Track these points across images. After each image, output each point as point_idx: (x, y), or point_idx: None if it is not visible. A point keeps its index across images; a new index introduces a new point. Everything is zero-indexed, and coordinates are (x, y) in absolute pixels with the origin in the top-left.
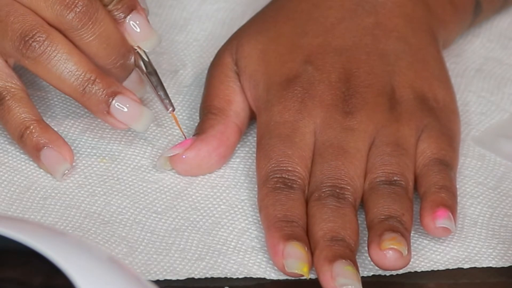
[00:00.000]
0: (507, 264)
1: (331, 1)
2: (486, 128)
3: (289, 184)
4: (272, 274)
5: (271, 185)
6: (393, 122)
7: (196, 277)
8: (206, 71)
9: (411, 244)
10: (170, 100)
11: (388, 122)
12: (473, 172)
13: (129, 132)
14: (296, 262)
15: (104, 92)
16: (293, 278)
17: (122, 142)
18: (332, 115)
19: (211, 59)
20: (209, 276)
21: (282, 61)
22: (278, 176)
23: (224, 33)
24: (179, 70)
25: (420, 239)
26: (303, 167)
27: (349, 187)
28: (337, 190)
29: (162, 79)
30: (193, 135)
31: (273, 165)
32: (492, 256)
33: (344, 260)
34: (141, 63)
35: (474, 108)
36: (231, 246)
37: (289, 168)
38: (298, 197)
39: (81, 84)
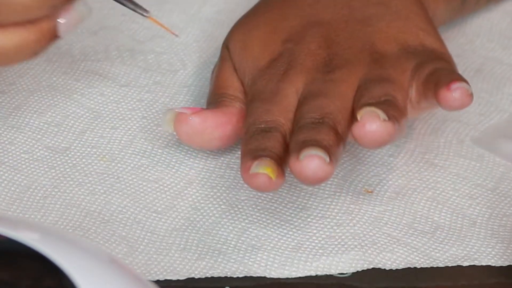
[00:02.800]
0: (506, 263)
1: None
2: (485, 128)
3: (267, 129)
4: (272, 273)
5: (249, 134)
6: (376, 69)
7: (196, 277)
8: (206, 71)
9: (409, 242)
10: (141, 6)
11: (371, 70)
12: (471, 174)
13: (130, 131)
14: (262, 166)
15: None
16: (292, 278)
17: (122, 141)
18: (313, 75)
19: (212, 59)
20: (209, 276)
21: (264, 45)
22: (257, 126)
23: (224, 34)
24: (179, 70)
25: (420, 237)
26: (284, 117)
27: (330, 116)
28: (317, 120)
29: (162, 79)
30: None
31: (253, 119)
32: (491, 255)
33: (315, 145)
34: None
35: (473, 108)
36: (231, 246)
37: (268, 119)
38: (274, 136)
39: None
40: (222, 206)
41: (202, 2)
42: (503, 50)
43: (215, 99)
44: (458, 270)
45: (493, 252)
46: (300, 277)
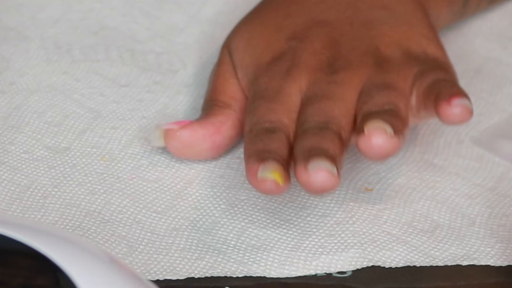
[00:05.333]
0: (505, 264)
1: None
2: (485, 128)
3: (271, 130)
4: (272, 272)
5: (253, 134)
6: (380, 73)
7: (196, 277)
8: (206, 71)
9: (408, 241)
10: None
11: (374, 74)
12: (471, 174)
13: (130, 131)
14: (270, 170)
15: None
16: (292, 278)
17: (122, 141)
18: (316, 75)
19: (212, 59)
20: (209, 275)
21: (267, 42)
22: (261, 126)
23: (224, 34)
24: (179, 70)
25: (419, 236)
26: (287, 118)
27: (333, 121)
28: (320, 124)
29: (162, 79)
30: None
31: (256, 118)
32: (490, 255)
33: (319, 156)
34: None
35: (473, 108)
36: (231, 245)
37: (272, 119)
38: (279, 137)
39: None
40: (222, 206)
41: (202, 3)
42: (503, 50)
43: (205, 107)
44: (457, 270)
45: (492, 252)
46: (299, 277)
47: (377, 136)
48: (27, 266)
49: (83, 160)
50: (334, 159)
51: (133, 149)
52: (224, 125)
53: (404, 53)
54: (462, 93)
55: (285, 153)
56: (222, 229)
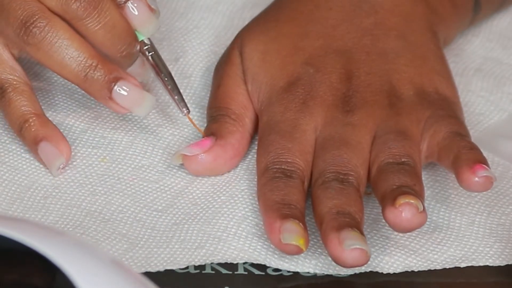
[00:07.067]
0: (503, 263)
1: (331, 3)
2: (485, 128)
3: (288, 174)
4: (272, 263)
5: (269, 175)
6: (393, 116)
7: (196, 264)
8: (206, 60)
9: (407, 244)
10: (184, 102)
11: (388, 117)
12: None
13: (130, 132)
14: (293, 235)
15: (105, 77)
16: (292, 273)
17: (123, 142)
18: (333, 114)
19: (211, 47)
20: (209, 262)
21: (283, 63)
22: (277, 167)
23: (224, 23)
24: (179, 59)
25: (418, 238)
26: (303, 160)
27: (352, 173)
28: (341, 176)
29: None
30: (206, 134)
31: (272, 157)
32: (489, 255)
33: (350, 228)
34: (150, 58)
35: (473, 108)
36: (231, 233)
37: (289, 160)
38: (296, 185)
39: (82, 70)
40: (222, 198)
41: None
42: (503, 50)
43: (217, 114)
44: (456, 268)
45: (491, 252)
46: (299, 276)
47: (407, 210)
48: (27, 266)
49: (84, 161)
50: (360, 227)
51: (134, 149)
52: (241, 144)
53: (417, 91)
54: (483, 160)
55: (303, 205)
56: (222, 218)
